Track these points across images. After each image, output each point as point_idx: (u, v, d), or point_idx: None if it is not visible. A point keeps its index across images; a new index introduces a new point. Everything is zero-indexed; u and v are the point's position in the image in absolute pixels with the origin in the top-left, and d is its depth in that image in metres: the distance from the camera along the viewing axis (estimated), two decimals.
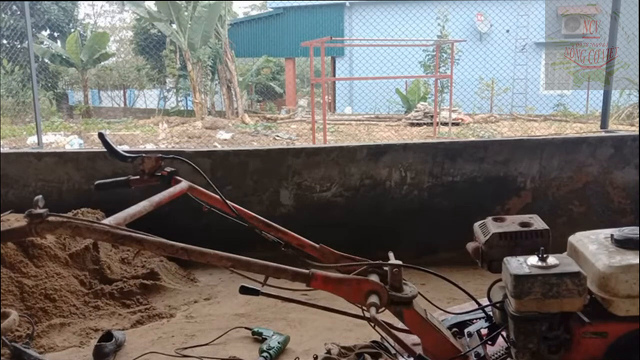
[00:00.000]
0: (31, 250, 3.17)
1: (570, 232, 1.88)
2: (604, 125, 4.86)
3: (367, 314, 1.66)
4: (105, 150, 2.18)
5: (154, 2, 17.27)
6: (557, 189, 3.88)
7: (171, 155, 2.16)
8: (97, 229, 1.62)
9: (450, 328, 1.97)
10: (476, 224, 2.03)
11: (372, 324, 1.65)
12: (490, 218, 2.00)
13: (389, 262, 1.81)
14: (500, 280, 1.82)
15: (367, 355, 2.17)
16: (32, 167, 3.91)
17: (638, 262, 1.58)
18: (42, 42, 19.30)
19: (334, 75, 19.38)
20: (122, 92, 23.01)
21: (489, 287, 1.90)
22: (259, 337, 2.75)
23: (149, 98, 22.66)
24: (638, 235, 1.66)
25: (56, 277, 3.13)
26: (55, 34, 20.99)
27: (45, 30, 20.88)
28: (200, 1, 16.68)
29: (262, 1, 27.63)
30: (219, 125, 14.06)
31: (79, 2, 22.49)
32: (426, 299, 1.95)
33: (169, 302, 3.33)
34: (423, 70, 16.73)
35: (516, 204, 3.85)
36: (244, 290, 1.75)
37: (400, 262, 1.79)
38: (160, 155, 2.17)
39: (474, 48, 15.97)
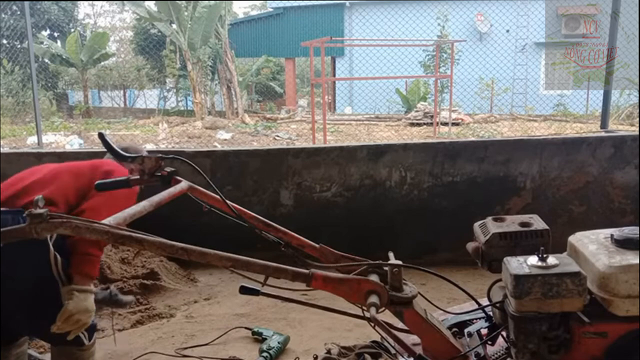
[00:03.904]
0: None
1: (570, 232, 1.88)
2: (604, 125, 4.85)
3: (367, 314, 1.65)
4: (105, 150, 2.18)
5: (154, 2, 17.28)
6: (557, 189, 3.88)
7: (171, 155, 2.16)
8: (97, 229, 1.62)
9: (450, 328, 1.97)
10: (476, 224, 2.03)
11: (372, 324, 1.64)
12: (490, 218, 2.00)
13: (389, 262, 1.81)
14: (500, 280, 1.82)
15: (367, 355, 2.17)
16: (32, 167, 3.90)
17: (638, 262, 1.58)
18: (42, 42, 19.29)
19: (334, 75, 19.38)
20: (122, 92, 22.99)
21: (489, 287, 1.90)
22: (259, 337, 2.75)
23: (149, 98, 22.64)
24: (638, 235, 1.66)
25: None
26: (55, 34, 20.99)
27: (45, 30, 20.88)
28: (200, 1, 16.68)
29: (262, 1, 27.64)
30: (219, 125, 14.05)
31: (79, 2, 22.50)
32: (426, 299, 1.94)
33: (169, 302, 3.33)
34: (423, 70, 16.72)
35: (516, 204, 3.85)
36: (244, 290, 1.75)
37: (400, 262, 1.78)
38: (160, 155, 2.17)
39: (474, 48, 15.95)
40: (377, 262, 1.86)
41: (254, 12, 26.78)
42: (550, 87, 17.07)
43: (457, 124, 13.29)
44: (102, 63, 20.78)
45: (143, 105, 22.69)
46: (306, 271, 1.69)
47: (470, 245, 1.98)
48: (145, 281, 3.43)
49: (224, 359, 2.60)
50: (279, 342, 2.63)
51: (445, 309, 2.09)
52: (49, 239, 1.96)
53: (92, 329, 2.17)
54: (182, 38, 16.68)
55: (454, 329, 1.98)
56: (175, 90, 20.89)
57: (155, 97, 21.89)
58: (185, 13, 16.82)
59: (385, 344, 2.16)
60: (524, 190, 3.87)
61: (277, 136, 12.65)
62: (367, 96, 15.99)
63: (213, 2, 16.40)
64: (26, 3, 5.42)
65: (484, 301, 1.93)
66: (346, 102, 19.65)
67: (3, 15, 15.91)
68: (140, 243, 1.66)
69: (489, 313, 1.93)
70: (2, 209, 1.98)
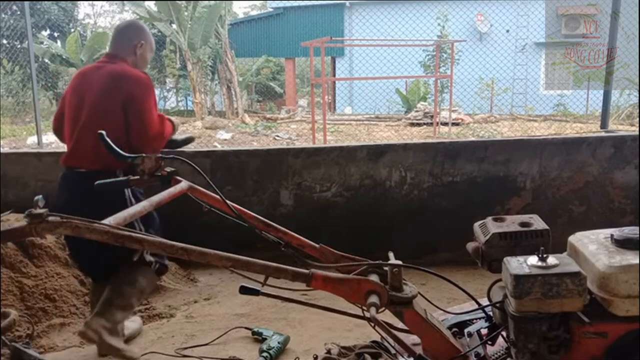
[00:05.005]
0: (31, 250, 3.17)
1: (570, 232, 1.88)
2: (604, 125, 4.85)
3: (367, 314, 1.65)
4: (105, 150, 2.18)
5: (154, 2, 17.28)
6: (557, 189, 3.88)
7: (171, 155, 2.16)
8: (97, 229, 1.62)
9: (450, 328, 1.97)
10: (476, 224, 2.03)
11: (372, 324, 1.65)
12: (490, 218, 2.00)
13: (389, 262, 1.81)
14: (500, 280, 1.82)
15: (367, 355, 2.17)
16: (32, 167, 3.91)
17: (638, 262, 1.58)
18: (42, 42, 19.27)
19: (334, 75, 19.37)
20: None
21: (489, 287, 1.90)
22: (259, 337, 2.75)
23: None
24: (638, 235, 1.66)
25: (56, 277, 3.14)
26: (55, 34, 20.96)
27: (45, 30, 20.84)
28: (200, 1, 16.68)
29: (262, 1, 27.64)
30: (219, 125, 14.05)
31: (79, 2, 22.48)
32: (426, 299, 1.94)
33: (169, 302, 3.33)
34: (423, 70, 16.71)
35: (516, 204, 3.85)
36: (244, 290, 1.75)
37: (400, 262, 1.78)
38: (160, 155, 2.18)
39: (474, 48, 15.95)
40: (377, 262, 1.86)
41: (254, 12, 26.78)
42: (550, 87, 17.06)
43: (457, 124, 13.29)
44: None
45: None
46: (306, 271, 1.69)
47: (470, 245, 1.98)
48: None
49: (224, 359, 2.59)
50: (279, 342, 2.63)
51: (445, 309, 2.09)
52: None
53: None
54: (182, 38, 16.68)
55: (454, 329, 1.98)
56: (175, 90, 20.88)
57: (155, 97, 21.86)
58: (185, 13, 16.81)
59: (385, 344, 2.16)
60: (524, 190, 3.87)
61: (277, 136, 12.64)
62: (367, 96, 15.99)
63: (213, 2, 16.39)
64: (26, 3, 5.42)
65: (484, 301, 1.93)
66: (346, 102, 19.65)
67: (3, 15, 15.90)
68: (140, 243, 1.66)
69: (489, 313, 1.93)
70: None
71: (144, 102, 2.55)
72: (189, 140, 3.05)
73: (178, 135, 3.01)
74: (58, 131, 2.76)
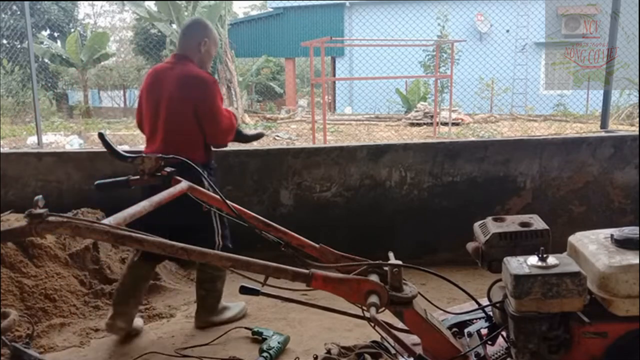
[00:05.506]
0: (31, 250, 3.17)
1: (570, 232, 1.88)
2: (604, 125, 4.85)
3: (367, 314, 1.66)
4: (105, 150, 2.19)
5: (154, 2, 17.28)
6: (557, 189, 3.88)
7: (171, 155, 2.16)
8: (97, 229, 1.62)
9: (450, 328, 1.97)
10: (476, 224, 2.03)
11: (372, 324, 1.65)
12: (490, 218, 2.00)
13: (389, 262, 1.81)
14: (500, 280, 1.82)
15: (367, 355, 2.17)
16: (32, 167, 3.91)
17: (638, 262, 1.58)
18: (42, 42, 19.28)
19: (334, 75, 19.38)
20: (122, 92, 22.97)
21: (489, 287, 1.90)
22: (259, 337, 2.75)
23: None
24: (638, 235, 1.66)
25: (56, 277, 3.13)
26: (55, 34, 20.98)
27: (45, 30, 20.87)
28: (200, 1, 16.68)
29: (262, 1, 27.65)
30: None
31: (79, 2, 22.48)
32: (426, 299, 1.95)
33: (169, 302, 3.33)
34: (423, 70, 16.71)
35: (516, 204, 3.85)
36: (244, 290, 1.75)
37: (400, 262, 1.79)
38: (160, 155, 2.18)
39: (474, 48, 15.94)
40: (377, 262, 1.86)
41: (254, 12, 26.79)
42: (550, 87, 17.07)
43: (457, 124, 13.28)
44: (102, 63, 20.75)
45: None
46: (306, 271, 1.69)
47: (470, 245, 1.98)
48: None
49: (224, 359, 2.59)
50: (279, 342, 2.63)
51: (445, 309, 2.09)
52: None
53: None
54: None
55: (454, 329, 1.98)
56: None
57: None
58: (185, 13, 16.80)
59: (385, 344, 2.16)
60: (524, 190, 3.87)
61: (277, 136, 12.64)
62: (367, 96, 15.99)
63: (213, 2, 16.40)
64: (26, 3, 5.42)
65: (484, 301, 1.93)
66: (346, 102, 19.65)
67: (3, 15, 15.89)
68: (140, 243, 1.66)
69: (489, 313, 1.93)
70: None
71: (213, 103, 2.72)
72: (259, 136, 3.18)
73: (249, 131, 3.07)
74: (140, 125, 3.00)
